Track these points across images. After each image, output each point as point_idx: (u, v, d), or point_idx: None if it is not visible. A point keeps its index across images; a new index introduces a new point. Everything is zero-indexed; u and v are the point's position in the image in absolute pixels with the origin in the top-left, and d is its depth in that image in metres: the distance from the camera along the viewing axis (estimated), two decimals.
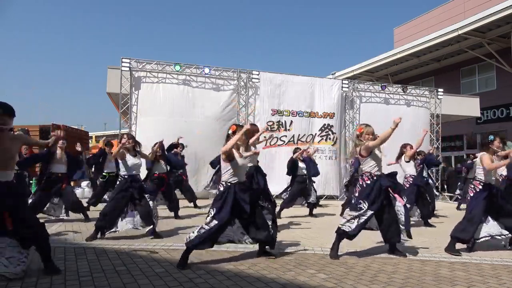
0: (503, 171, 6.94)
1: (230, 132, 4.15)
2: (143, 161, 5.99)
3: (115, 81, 10.97)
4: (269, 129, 11.65)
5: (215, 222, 3.84)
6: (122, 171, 5.27)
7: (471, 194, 4.93)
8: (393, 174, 4.50)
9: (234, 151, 4.02)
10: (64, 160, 6.53)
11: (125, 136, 5.39)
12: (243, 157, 4.10)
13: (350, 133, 12.66)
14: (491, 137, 4.91)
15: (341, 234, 4.32)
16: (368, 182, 4.37)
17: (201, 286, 3.22)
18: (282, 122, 11.92)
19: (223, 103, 11.41)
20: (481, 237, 4.76)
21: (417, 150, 7.36)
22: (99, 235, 5.07)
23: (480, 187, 4.84)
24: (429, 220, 7.20)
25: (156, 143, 7.24)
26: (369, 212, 4.26)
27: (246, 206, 3.92)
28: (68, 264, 3.82)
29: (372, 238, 4.99)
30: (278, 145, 11.78)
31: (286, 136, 11.93)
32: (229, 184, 3.98)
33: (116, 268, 3.71)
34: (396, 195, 4.35)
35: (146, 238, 5.18)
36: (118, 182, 5.34)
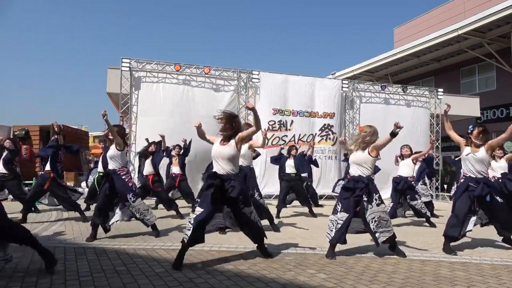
0: (495, 172, 6.80)
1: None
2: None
3: (115, 81, 10.96)
4: (271, 128, 11.66)
5: (199, 209, 3.83)
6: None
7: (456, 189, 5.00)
8: (358, 179, 4.36)
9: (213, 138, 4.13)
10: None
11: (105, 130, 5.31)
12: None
13: (350, 133, 12.67)
14: (471, 127, 4.96)
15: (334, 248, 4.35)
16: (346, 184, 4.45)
17: (201, 286, 3.22)
18: (283, 122, 11.91)
19: (223, 103, 11.40)
20: (471, 229, 4.76)
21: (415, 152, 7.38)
22: (98, 235, 5.08)
23: (462, 180, 4.88)
24: (431, 219, 7.18)
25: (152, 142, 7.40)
26: (344, 215, 4.26)
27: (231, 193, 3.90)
28: (68, 264, 3.82)
29: (369, 237, 4.98)
30: (280, 144, 11.78)
31: (287, 136, 11.93)
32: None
33: (116, 268, 3.71)
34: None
35: (146, 238, 5.19)
36: None
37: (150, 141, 7.73)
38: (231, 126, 4.07)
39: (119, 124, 5.47)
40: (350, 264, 4.01)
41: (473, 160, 4.77)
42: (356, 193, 4.30)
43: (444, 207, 10.27)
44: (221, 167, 3.99)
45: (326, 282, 3.39)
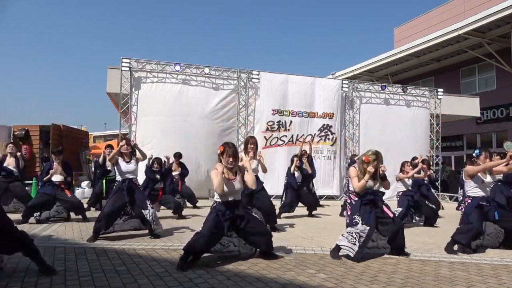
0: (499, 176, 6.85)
1: (219, 152, 4.04)
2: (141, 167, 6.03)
3: (115, 81, 10.96)
4: (270, 129, 11.66)
5: (201, 233, 3.88)
6: (118, 176, 5.32)
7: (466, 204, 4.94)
8: (378, 192, 4.43)
9: (224, 171, 3.95)
10: (61, 171, 6.67)
11: (122, 142, 5.33)
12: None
13: (350, 133, 12.68)
14: (477, 151, 4.93)
15: (340, 250, 4.30)
16: (356, 199, 4.35)
17: (201, 286, 3.22)
18: (282, 122, 11.91)
19: (223, 103, 11.41)
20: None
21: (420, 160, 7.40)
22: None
23: (469, 201, 4.86)
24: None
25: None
26: (366, 228, 4.18)
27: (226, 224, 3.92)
28: (68, 264, 3.82)
29: None
30: (278, 145, 11.78)
31: (286, 136, 11.93)
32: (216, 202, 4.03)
33: (116, 268, 3.72)
34: (385, 210, 4.36)
35: (146, 238, 5.19)
36: (115, 185, 5.39)
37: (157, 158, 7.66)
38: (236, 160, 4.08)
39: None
40: (350, 264, 4.01)
41: (489, 185, 4.86)
42: (377, 204, 4.33)
43: (444, 207, 10.26)
44: (233, 199, 4.02)
45: (326, 282, 3.38)
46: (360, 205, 4.28)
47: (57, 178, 6.63)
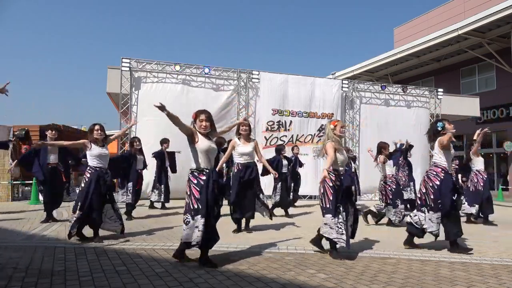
0: (477, 166, 7.50)
1: (192, 120, 4.19)
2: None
3: (115, 81, 10.97)
4: (269, 129, 11.67)
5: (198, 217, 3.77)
6: (90, 163, 5.04)
7: (436, 182, 4.67)
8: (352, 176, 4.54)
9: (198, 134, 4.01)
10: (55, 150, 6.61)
11: (96, 127, 5.14)
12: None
13: (350, 133, 12.68)
14: (440, 124, 4.81)
15: (325, 239, 4.38)
16: (331, 185, 4.32)
17: (201, 286, 3.22)
18: (282, 122, 11.92)
19: (223, 103, 11.41)
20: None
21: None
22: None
23: (442, 174, 4.68)
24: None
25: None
26: (343, 213, 4.31)
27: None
28: (68, 264, 3.82)
29: (369, 237, 4.98)
30: (278, 145, 11.77)
31: (286, 136, 11.94)
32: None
33: (116, 268, 3.71)
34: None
35: (146, 238, 5.19)
36: (87, 174, 5.00)
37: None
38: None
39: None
40: (350, 264, 4.01)
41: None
42: (351, 191, 4.46)
43: None
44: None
45: (326, 282, 3.38)
46: (339, 192, 4.32)
47: (52, 159, 6.50)
